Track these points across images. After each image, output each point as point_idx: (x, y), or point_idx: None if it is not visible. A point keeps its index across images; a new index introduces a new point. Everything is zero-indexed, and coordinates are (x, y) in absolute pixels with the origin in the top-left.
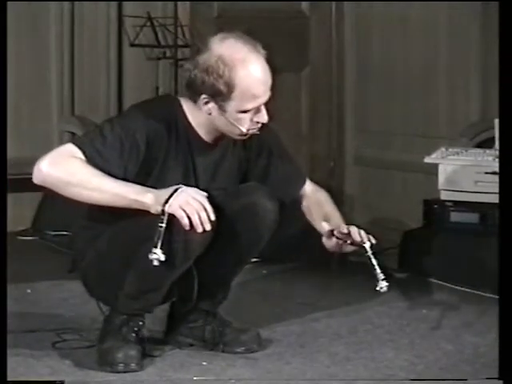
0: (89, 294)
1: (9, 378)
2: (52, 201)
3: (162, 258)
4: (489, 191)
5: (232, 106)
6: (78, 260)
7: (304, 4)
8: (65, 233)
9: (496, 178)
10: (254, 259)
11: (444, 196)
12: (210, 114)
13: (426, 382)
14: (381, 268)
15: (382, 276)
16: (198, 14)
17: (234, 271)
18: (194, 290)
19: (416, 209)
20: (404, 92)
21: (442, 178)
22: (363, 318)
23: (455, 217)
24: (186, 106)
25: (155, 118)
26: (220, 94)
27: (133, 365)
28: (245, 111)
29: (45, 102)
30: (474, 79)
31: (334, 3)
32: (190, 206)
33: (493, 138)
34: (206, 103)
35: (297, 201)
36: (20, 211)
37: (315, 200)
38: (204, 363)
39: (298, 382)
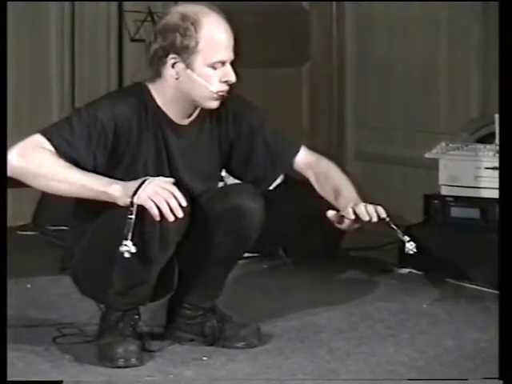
0: (80, 292)
1: (9, 373)
2: (52, 196)
3: (133, 249)
4: (489, 186)
5: (199, 60)
6: (68, 258)
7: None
8: (65, 228)
9: (496, 174)
10: (254, 254)
11: (444, 191)
12: (177, 78)
13: (427, 382)
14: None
15: (407, 238)
16: None
17: (225, 270)
18: (175, 278)
19: (416, 204)
20: (404, 87)
21: (442, 173)
22: (364, 313)
23: (456, 212)
24: (154, 89)
25: (123, 106)
26: (187, 48)
27: (133, 360)
28: (212, 66)
29: (45, 97)
30: (474, 75)
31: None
32: (159, 195)
33: (493, 134)
34: (174, 65)
35: (296, 172)
36: (20, 206)
37: (321, 171)
38: (204, 358)
39: (298, 377)
